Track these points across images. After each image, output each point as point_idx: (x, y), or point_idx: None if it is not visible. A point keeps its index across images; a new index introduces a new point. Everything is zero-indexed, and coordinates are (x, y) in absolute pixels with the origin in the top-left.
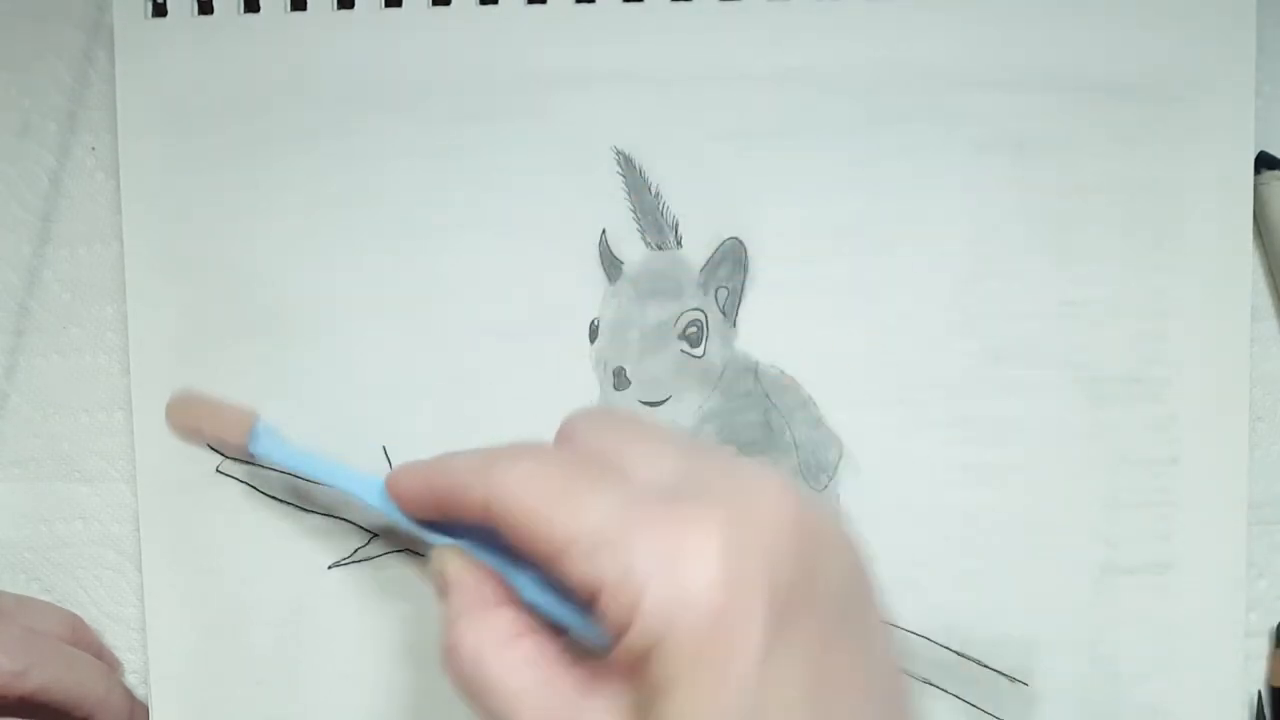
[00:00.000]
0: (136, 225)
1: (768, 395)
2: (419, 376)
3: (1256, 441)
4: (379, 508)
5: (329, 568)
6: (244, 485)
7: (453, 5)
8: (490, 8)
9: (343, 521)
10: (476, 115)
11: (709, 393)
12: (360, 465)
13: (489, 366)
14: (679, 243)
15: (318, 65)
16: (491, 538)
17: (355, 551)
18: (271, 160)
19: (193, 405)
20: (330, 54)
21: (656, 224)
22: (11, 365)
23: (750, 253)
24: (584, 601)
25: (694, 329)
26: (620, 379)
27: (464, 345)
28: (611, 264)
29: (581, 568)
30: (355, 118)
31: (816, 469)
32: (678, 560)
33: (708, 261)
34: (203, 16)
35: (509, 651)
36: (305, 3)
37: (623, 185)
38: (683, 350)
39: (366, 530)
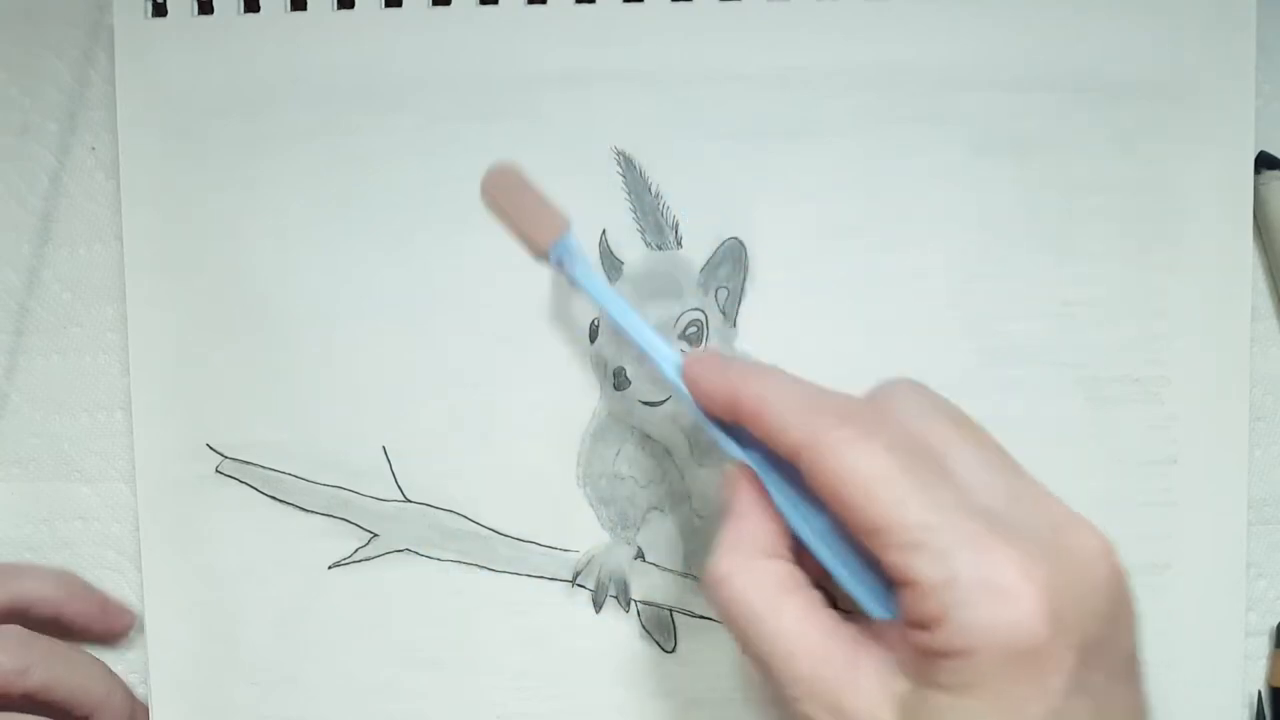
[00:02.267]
0: (136, 225)
1: None
2: (419, 376)
3: (1256, 441)
4: (669, 378)
5: (329, 568)
6: (244, 485)
7: (453, 5)
8: (490, 8)
9: (343, 521)
10: (476, 115)
11: None
12: (363, 463)
13: (489, 366)
14: (679, 243)
15: (318, 65)
16: (776, 461)
17: (355, 551)
18: (271, 160)
19: (511, 187)
20: (330, 54)
21: (656, 224)
22: (11, 365)
23: (750, 253)
24: (893, 580)
25: (694, 329)
26: (620, 379)
27: (464, 345)
28: (611, 264)
29: (899, 556)
30: (355, 117)
31: None
32: (997, 595)
33: (708, 261)
34: (203, 16)
35: (782, 601)
36: (305, 3)
37: (623, 185)
38: (683, 350)
39: (366, 530)
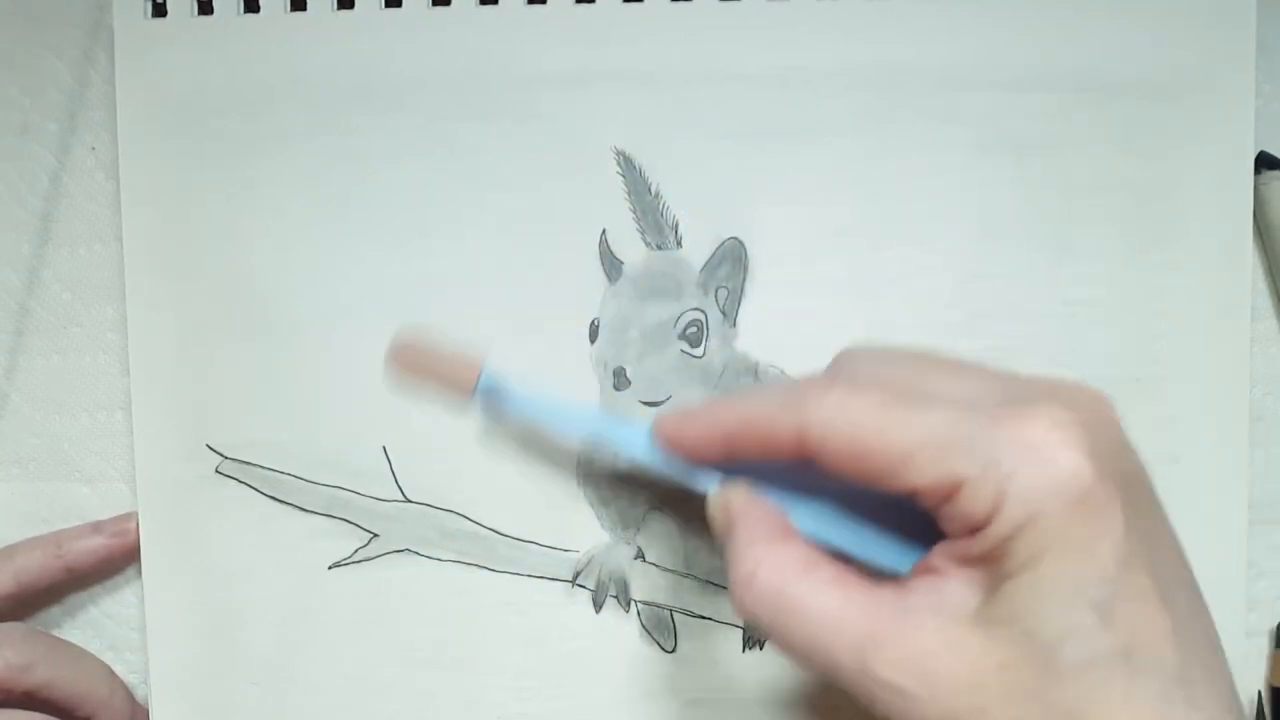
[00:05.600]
0: (136, 225)
1: None
2: None
3: (1256, 441)
4: (637, 454)
5: (329, 568)
6: (244, 485)
7: (453, 5)
8: (490, 8)
9: (343, 521)
10: (476, 115)
11: (709, 393)
12: (363, 463)
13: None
14: (679, 243)
15: (318, 65)
16: (763, 477)
17: (355, 552)
18: (271, 160)
19: (417, 354)
20: (330, 54)
21: (656, 224)
22: (11, 365)
23: (750, 253)
24: (933, 503)
25: (694, 329)
26: (620, 379)
27: (464, 345)
28: (611, 264)
29: (931, 471)
30: (355, 117)
31: None
32: (1042, 450)
33: (708, 261)
34: (203, 16)
35: (812, 576)
36: (305, 3)
37: (623, 185)
38: (683, 350)
39: (366, 530)
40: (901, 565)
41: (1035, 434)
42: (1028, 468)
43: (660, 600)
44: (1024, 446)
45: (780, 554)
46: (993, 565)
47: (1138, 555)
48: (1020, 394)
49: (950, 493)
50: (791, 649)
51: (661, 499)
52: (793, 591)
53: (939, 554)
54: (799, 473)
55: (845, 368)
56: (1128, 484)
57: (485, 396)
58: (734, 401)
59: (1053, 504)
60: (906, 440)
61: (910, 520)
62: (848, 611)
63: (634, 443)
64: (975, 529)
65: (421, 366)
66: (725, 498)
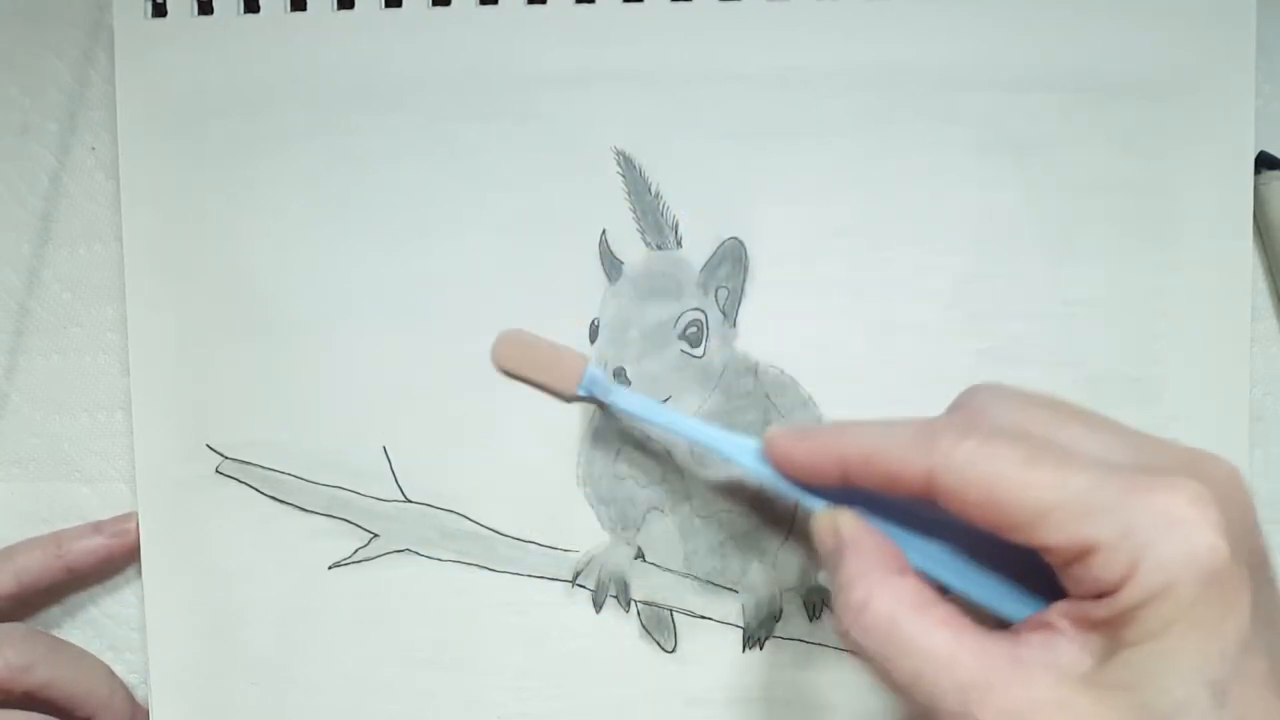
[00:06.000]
0: (136, 225)
1: (768, 395)
2: (419, 376)
3: (1256, 441)
4: (743, 463)
5: (329, 568)
6: (244, 485)
7: (453, 5)
8: (490, 8)
9: (343, 521)
10: (476, 115)
11: (709, 393)
12: (363, 463)
13: (489, 366)
14: (679, 243)
15: (318, 65)
16: (873, 506)
17: (355, 552)
18: (271, 160)
19: (522, 347)
20: (330, 54)
21: (656, 224)
22: (11, 365)
23: (750, 253)
24: (1061, 561)
25: (694, 329)
26: (620, 379)
27: (464, 345)
28: (611, 264)
29: (1067, 532)
30: (355, 118)
31: None
32: (1181, 525)
33: (708, 261)
34: (203, 16)
35: (925, 614)
36: (305, 3)
37: (623, 185)
38: (682, 350)
39: (366, 530)
40: (1010, 612)
41: (1175, 507)
42: (1166, 541)
43: (660, 600)
44: (1163, 519)
45: (895, 587)
46: (1114, 631)
47: (1258, 639)
48: (1158, 460)
49: (1082, 555)
50: (893, 682)
51: (661, 499)
52: (905, 627)
53: (1057, 611)
54: (910, 507)
55: (973, 409)
56: (1256, 566)
57: (589, 393)
58: (858, 430)
59: (1186, 579)
60: (1045, 499)
61: (1023, 567)
62: (959, 654)
63: (740, 453)
64: (1103, 593)
65: (526, 363)
66: (835, 521)
